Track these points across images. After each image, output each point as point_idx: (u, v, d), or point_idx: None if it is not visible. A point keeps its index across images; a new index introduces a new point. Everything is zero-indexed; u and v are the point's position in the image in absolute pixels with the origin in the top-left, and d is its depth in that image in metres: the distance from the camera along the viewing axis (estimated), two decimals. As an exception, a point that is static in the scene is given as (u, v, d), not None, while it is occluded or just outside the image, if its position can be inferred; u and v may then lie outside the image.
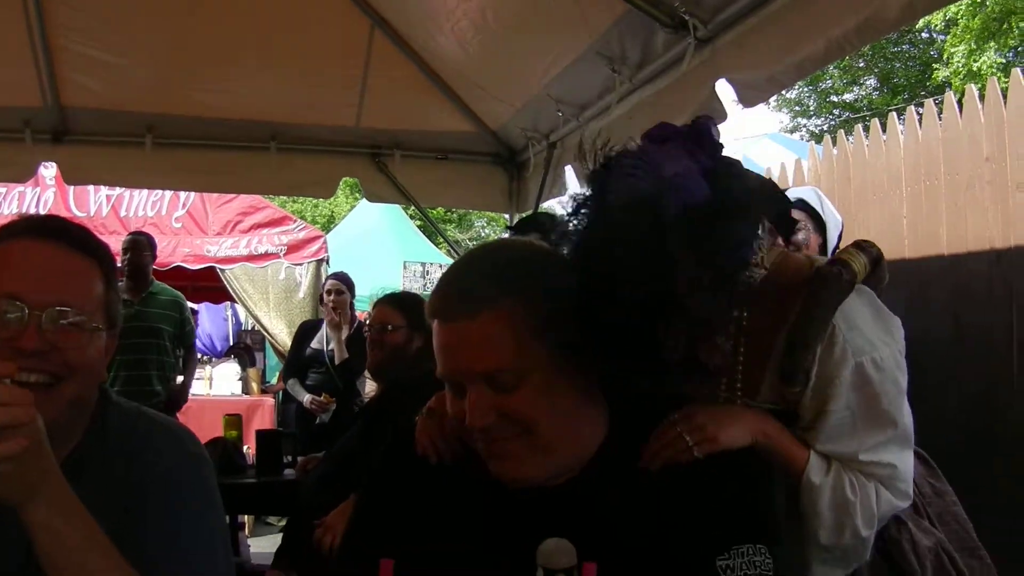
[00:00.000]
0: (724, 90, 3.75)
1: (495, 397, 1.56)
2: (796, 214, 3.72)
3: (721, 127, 3.90)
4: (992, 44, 20.65)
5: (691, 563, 1.54)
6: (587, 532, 1.57)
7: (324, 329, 7.25)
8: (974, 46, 20.89)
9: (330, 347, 7.13)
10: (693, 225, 1.64)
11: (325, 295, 7.25)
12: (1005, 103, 4.38)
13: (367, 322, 4.67)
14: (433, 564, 1.65)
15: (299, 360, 7.34)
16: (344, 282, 7.22)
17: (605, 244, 1.62)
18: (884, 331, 2.09)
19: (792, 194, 4.55)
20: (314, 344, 7.30)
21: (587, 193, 1.75)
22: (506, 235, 5.50)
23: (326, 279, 7.81)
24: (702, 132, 1.83)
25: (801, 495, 2.04)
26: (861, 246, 2.14)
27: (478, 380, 1.57)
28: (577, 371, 1.63)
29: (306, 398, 7.01)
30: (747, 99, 3.58)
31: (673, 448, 1.70)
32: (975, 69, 20.28)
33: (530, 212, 6.03)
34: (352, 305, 7.27)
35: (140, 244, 7.05)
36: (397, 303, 4.51)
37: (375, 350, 4.47)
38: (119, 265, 6.89)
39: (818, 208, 3.98)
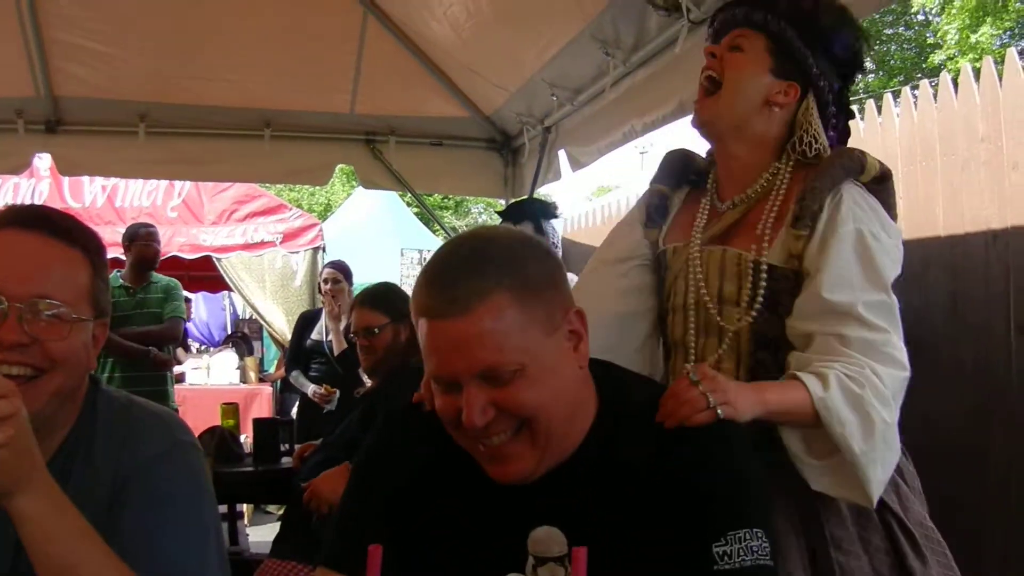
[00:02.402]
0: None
1: (492, 392, 1.53)
2: None
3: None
4: (988, 19, 20.62)
5: (686, 551, 1.53)
6: (577, 520, 1.58)
7: (323, 319, 7.21)
8: (969, 22, 20.88)
9: (329, 338, 7.10)
10: None
11: (323, 284, 7.20)
12: (1001, 83, 4.36)
13: (351, 327, 4.63)
14: (423, 553, 1.64)
15: (300, 351, 7.29)
16: (341, 270, 7.17)
17: None
18: (884, 225, 2.23)
19: None
20: (314, 335, 7.24)
21: None
22: (497, 220, 5.50)
23: (323, 268, 7.76)
24: None
25: (823, 420, 2.04)
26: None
27: (474, 378, 1.53)
28: (568, 357, 1.62)
29: (310, 389, 6.97)
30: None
31: (692, 407, 1.71)
32: (973, 43, 20.27)
33: (522, 197, 6.04)
34: (350, 293, 7.22)
35: (157, 235, 7.01)
36: (373, 303, 4.46)
37: (367, 355, 4.44)
38: (140, 255, 6.82)
39: None
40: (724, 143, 2.41)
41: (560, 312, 1.60)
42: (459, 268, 1.57)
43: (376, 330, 4.37)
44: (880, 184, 2.31)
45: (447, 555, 1.65)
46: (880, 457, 2.08)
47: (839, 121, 2.41)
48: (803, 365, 2.10)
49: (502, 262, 1.57)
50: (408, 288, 3.60)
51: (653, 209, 2.60)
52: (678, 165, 2.63)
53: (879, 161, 2.32)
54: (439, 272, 1.59)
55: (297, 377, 7.17)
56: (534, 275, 1.58)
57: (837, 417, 2.02)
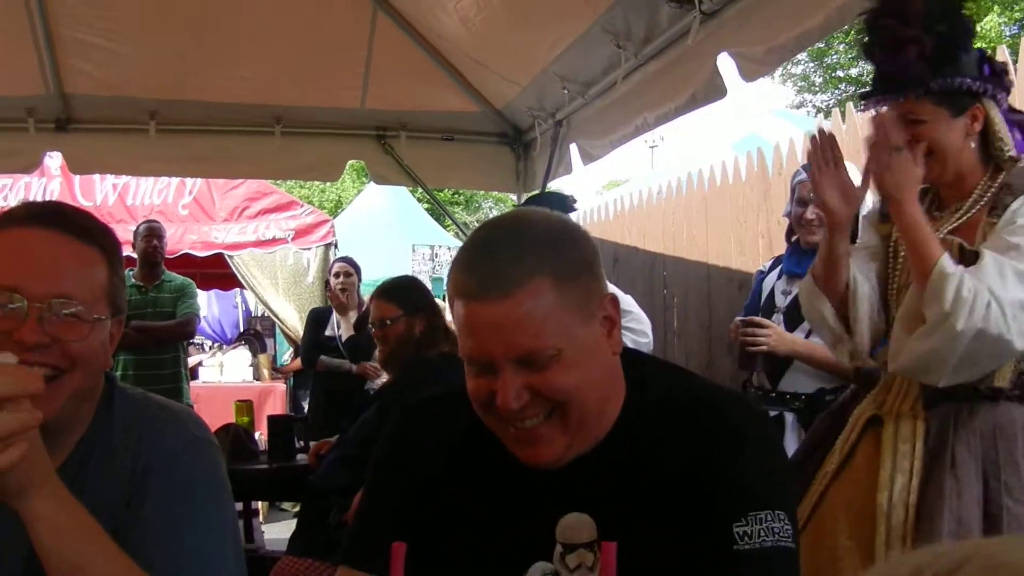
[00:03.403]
0: (725, 65, 3.72)
1: (528, 376, 1.52)
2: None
3: (728, 102, 3.92)
4: (996, 8, 20.57)
5: (708, 531, 1.52)
6: (602, 508, 1.56)
7: (333, 316, 7.24)
8: (975, 10, 20.85)
9: (340, 331, 7.11)
10: None
11: (332, 278, 7.19)
12: (1015, 71, 4.33)
13: (369, 318, 4.65)
14: (446, 544, 1.63)
15: (319, 341, 7.28)
16: (351, 265, 7.20)
17: None
18: None
19: None
20: (327, 332, 7.26)
21: None
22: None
23: (332, 263, 7.77)
24: None
25: (930, 282, 2.42)
26: None
27: (511, 361, 1.52)
28: (603, 343, 1.60)
29: (353, 366, 6.96)
30: (748, 73, 3.55)
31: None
32: (979, 32, 20.25)
33: (537, 192, 6.02)
34: (359, 289, 7.24)
35: (157, 231, 7.05)
36: (389, 295, 4.49)
37: (382, 346, 4.48)
38: (141, 253, 6.88)
39: None
40: (948, 183, 2.75)
41: (596, 298, 1.59)
42: (500, 251, 1.54)
43: (388, 321, 4.39)
44: None
45: (470, 545, 1.63)
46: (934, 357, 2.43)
47: (1006, 93, 2.72)
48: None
49: (543, 246, 1.54)
50: (422, 283, 3.61)
51: (886, 210, 2.91)
52: None
53: None
54: (479, 254, 1.56)
55: (329, 361, 7.13)
56: (573, 260, 1.56)
57: (942, 296, 2.38)
